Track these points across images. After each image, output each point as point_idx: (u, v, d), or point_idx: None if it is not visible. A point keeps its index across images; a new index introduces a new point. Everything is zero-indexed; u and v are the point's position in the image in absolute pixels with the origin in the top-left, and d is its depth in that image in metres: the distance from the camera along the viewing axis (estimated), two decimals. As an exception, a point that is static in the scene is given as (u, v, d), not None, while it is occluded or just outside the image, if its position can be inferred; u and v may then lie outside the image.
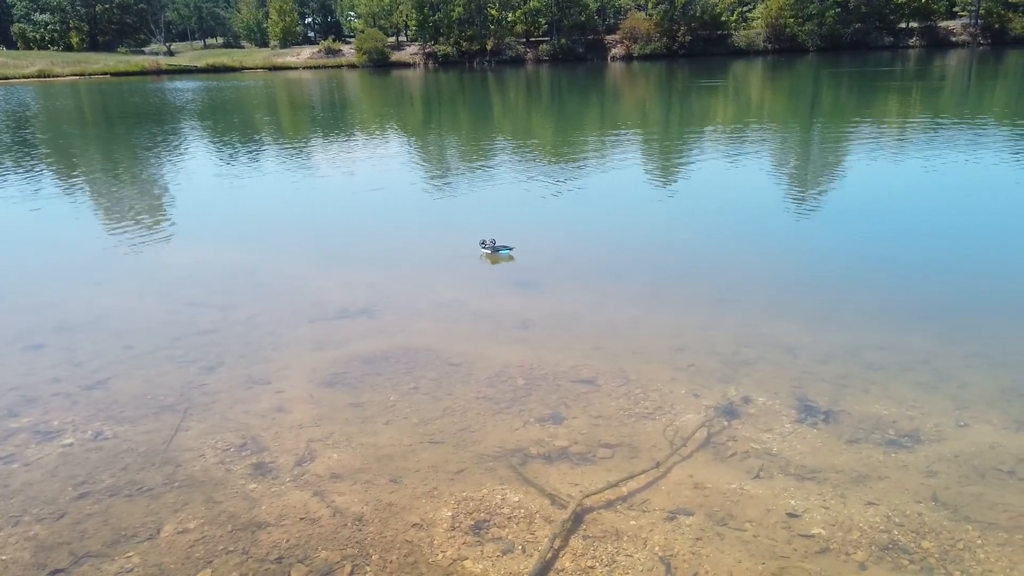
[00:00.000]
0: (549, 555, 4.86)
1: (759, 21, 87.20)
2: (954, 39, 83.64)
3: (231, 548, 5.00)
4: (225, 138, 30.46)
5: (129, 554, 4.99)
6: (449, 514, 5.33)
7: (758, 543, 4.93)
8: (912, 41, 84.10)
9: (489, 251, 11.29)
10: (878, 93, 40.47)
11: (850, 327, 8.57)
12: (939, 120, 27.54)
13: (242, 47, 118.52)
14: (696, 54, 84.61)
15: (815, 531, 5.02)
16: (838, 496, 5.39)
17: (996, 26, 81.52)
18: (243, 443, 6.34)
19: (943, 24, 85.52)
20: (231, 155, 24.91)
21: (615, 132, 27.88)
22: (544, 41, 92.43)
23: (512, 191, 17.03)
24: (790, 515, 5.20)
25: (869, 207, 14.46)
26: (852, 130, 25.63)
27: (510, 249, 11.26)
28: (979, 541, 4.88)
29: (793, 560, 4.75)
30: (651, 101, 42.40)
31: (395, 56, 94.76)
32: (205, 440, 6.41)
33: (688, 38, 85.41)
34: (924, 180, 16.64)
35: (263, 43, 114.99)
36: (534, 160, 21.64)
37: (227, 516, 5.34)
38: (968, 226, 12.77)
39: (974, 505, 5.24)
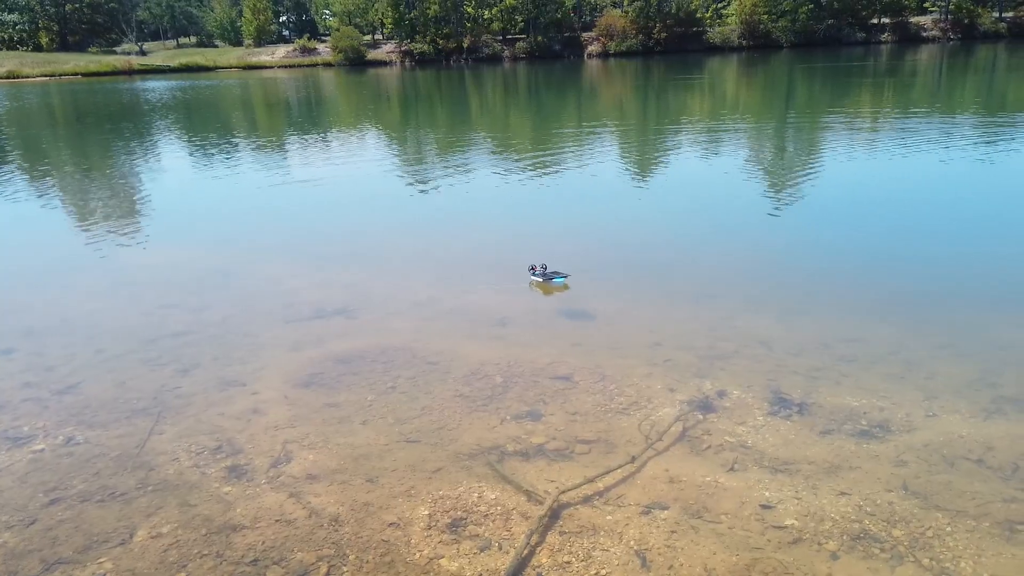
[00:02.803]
0: (526, 551, 4.88)
1: (734, 18, 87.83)
2: (925, 34, 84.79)
3: (205, 552, 4.96)
4: (199, 138, 30.14)
5: (101, 560, 4.93)
6: (426, 513, 5.32)
7: (732, 535, 4.98)
8: (884, 37, 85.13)
9: (540, 279, 9.89)
10: (851, 88, 40.96)
11: (823, 320, 8.68)
12: (911, 114, 27.92)
13: (216, 46, 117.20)
14: (672, 51, 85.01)
15: (788, 522, 5.08)
16: (810, 487, 5.45)
17: (965, 21, 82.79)
18: (218, 446, 6.29)
19: (914, 20, 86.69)
20: (205, 155, 24.65)
21: (592, 129, 27.95)
22: (521, 39, 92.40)
23: (489, 189, 17.03)
24: (764, 507, 5.26)
25: (842, 201, 14.62)
26: (826, 125, 25.91)
27: (564, 277, 9.80)
28: (948, 529, 4.97)
29: (767, 551, 4.81)
30: (628, 98, 42.55)
31: (371, 54, 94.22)
32: (179, 443, 6.34)
33: (664, 35, 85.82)
34: (896, 174, 16.86)
35: (237, 42, 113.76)
36: (511, 158, 21.65)
37: (201, 519, 5.30)
38: (939, 219, 12.97)
39: (943, 493, 5.33)
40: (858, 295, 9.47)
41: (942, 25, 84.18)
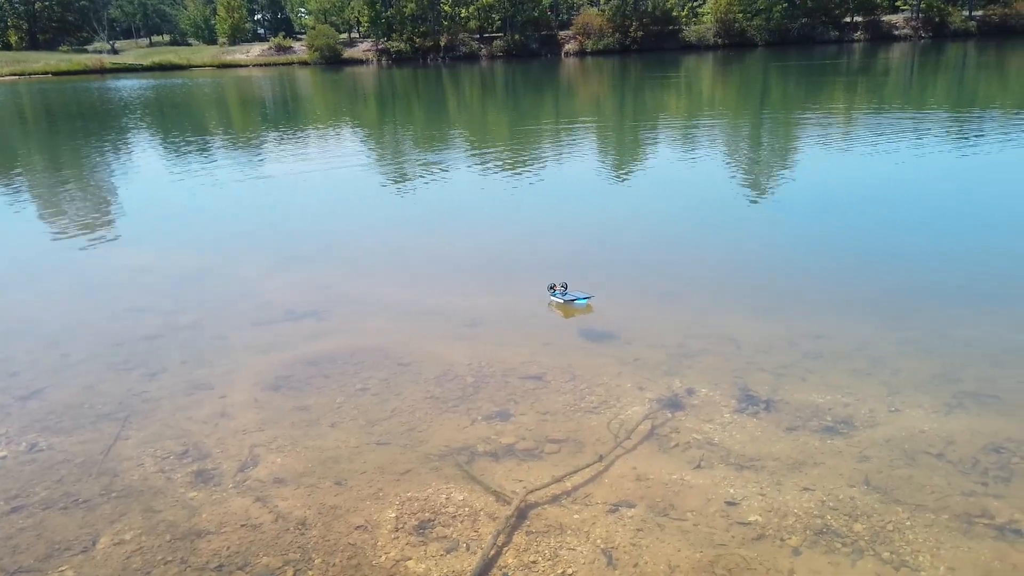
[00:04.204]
0: (492, 552, 4.89)
1: (709, 16, 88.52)
2: (897, 33, 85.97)
3: (169, 558, 4.92)
4: (172, 138, 29.80)
5: (63, 568, 4.88)
6: (393, 515, 5.32)
7: (697, 532, 5.03)
8: (857, 35, 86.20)
9: (561, 300, 9.25)
10: (825, 86, 41.42)
11: (792, 317, 8.78)
12: (883, 112, 28.29)
13: (189, 45, 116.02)
14: (648, 49, 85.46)
15: (752, 518, 5.14)
16: (775, 483, 5.52)
17: (936, 20, 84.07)
18: (184, 450, 6.24)
19: (886, 18, 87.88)
20: (178, 155, 24.39)
21: (570, 127, 28.01)
22: (498, 37, 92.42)
23: (465, 189, 17.03)
24: (728, 503, 5.31)
25: (814, 199, 14.79)
26: (800, 122, 26.18)
27: (588, 298, 9.17)
28: (908, 522, 5.05)
29: (730, 547, 4.86)
30: (606, 96, 42.70)
31: (347, 53, 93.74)
32: (145, 449, 6.28)
33: (640, 33, 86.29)
34: (867, 171, 17.08)
35: (211, 40, 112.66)
36: (488, 157, 21.65)
37: (166, 525, 5.25)
38: (908, 216, 13.15)
39: (904, 488, 5.42)
40: (826, 292, 9.60)
41: (913, 24, 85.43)
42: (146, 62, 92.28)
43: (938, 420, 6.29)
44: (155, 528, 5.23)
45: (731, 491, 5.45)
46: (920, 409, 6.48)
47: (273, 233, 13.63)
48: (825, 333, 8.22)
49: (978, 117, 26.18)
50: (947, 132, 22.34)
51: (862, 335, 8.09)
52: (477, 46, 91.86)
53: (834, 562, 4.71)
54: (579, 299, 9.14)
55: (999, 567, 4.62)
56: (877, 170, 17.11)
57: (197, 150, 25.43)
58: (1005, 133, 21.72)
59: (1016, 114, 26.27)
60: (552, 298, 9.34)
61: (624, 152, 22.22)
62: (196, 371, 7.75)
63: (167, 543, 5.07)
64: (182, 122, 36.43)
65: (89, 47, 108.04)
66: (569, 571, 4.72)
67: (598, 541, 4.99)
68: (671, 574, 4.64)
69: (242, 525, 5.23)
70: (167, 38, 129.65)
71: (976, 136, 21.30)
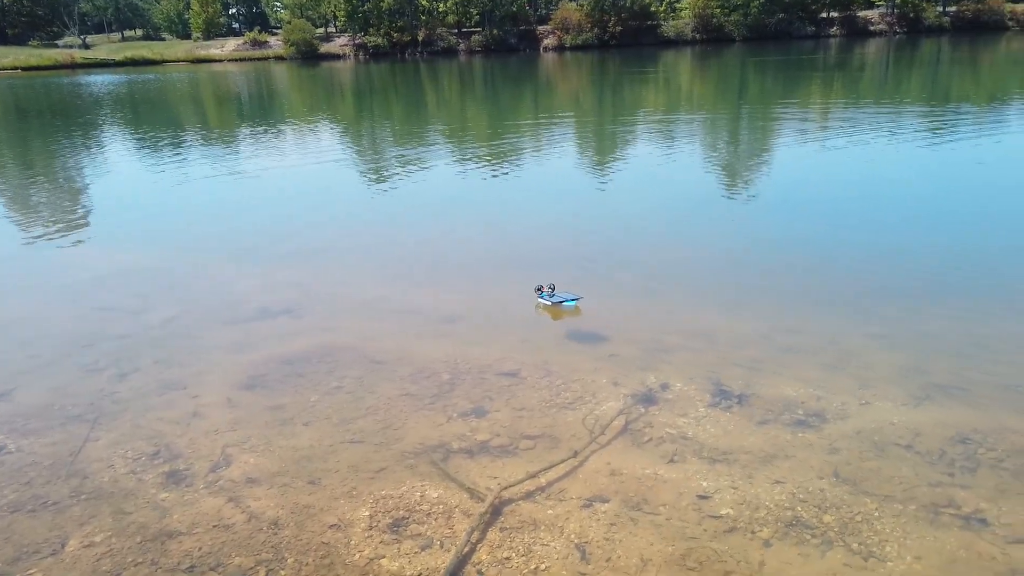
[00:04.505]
0: (466, 549, 4.89)
1: (687, 11, 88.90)
2: (872, 28, 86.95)
3: (140, 560, 4.87)
4: (145, 134, 29.43)
5: (31, 571, 4.81)
6: (367, 513, 5.30)
7: (670, 526, 5.07)
8: (833, 30, 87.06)
9: (549, 301, 9.05)
10: (802, 81, 41.77)
11: (765, 312, 8.85)
12: (859, 106, 28.59)
13: (163, 39, 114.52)
14: (627, 44, 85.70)
15: (724, 511, 5.19)
16: (746, 476, 5.57)
17: (911, 15, 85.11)
18: (155, 451, 6.17)
19: (862, 14, 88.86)
20: (151, 151, 24.09)
21: (549, 123, 28.02)
22: (476, 32, 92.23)
23: (443, 185, 16.98)
24: (701, 497, 5.36)
25: (790, 194, 14.93)
26: (777, 118, 26.39)
27: (576, 299, 8.99)
28: (876, 513, 5.12)
29: (702, 540, 4.90)
30: (585, 91, 42.75)
31: (324, 48, 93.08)
32: (115, 450, 6.21)
33: (618, 28, 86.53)
34: (841, 166, 17.26)
35: (185, 35, 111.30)
36: (467, 152, 21.60)
37: (136, 527, 5.20)
38: (881, 211, 13.31)
39: (872, 479, 5.49)
40: (800, 288, 9.69)
41: (888, 19, 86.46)
42: (118, 57, 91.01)
43: (907, 412, 6.39)
44: (125, 530, 5.17)
45: (703, 485, 5.50)
46: (890, 402, 6.57)
47: (247, 230, 13.51)
48: (798, 328, 8.31)
49: (951, 113, 26.55)
50: (921, 128, 22.62)
51: (834, 329, 8.18)
52: (455, 41, 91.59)
53: (804, 553, 4.77)
54: (567, 300, 8.97)
55: (964, 556, 4.70)
56: (851, 166, 17.30)
57: (170, 146, 25.13)
58: (977, 129, 22.04)
59: (988, 110, 26.68)
60: (540, 300, 9.13)
61: (602, 148, 22.27)
62: (168, 371, 7.67)
63: (137, 545, 5.02)
64: (155, 118, 35.97)
65: (60, 42, 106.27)
66: (542, 566, 4.74)
67: (572, 536, 5.01)
68: (643, 568, 4.67)
69: (214, 526, 5.19)
70: (139, 33, 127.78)
71: (949, 132, 21.59)
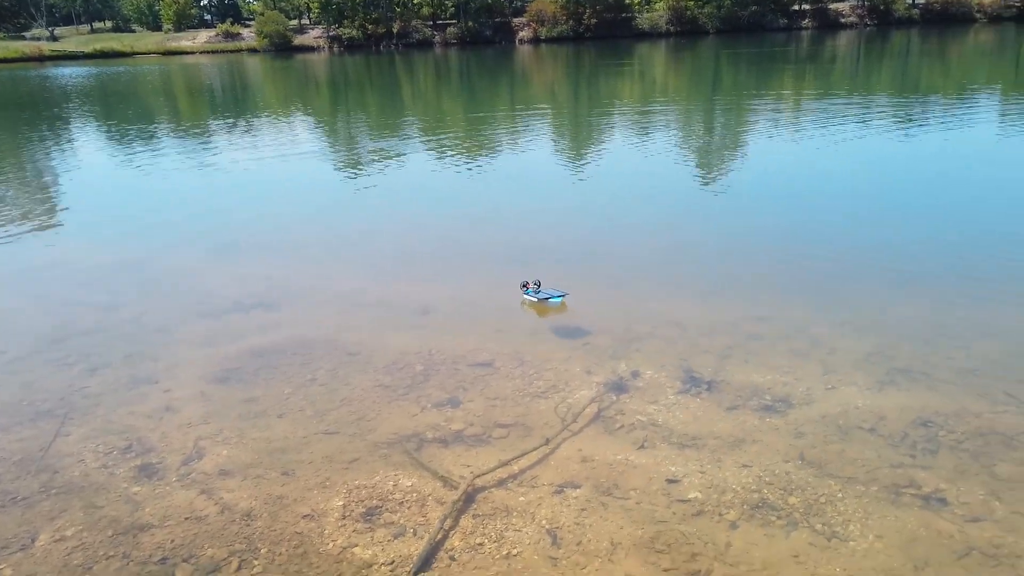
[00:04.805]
0: (439, 536, 4.95)
1: (662, 4, 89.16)
2: (843, 20, 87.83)
3: (111, 553, 4.87)
4: (115, 127, 29.00)
5: (0, 566, 4.79)
6: (341, 503, 5.34)
7: (639, 510, 5.16)
8: (805, 23, 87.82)
9: (535, 298, 8.89)
10: (775, 73, 42.14)
11: (735, 300, 8.98)
12: (830, 98, 28.92)
13: (133, 31, 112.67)
14: (602, 36, 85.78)
15: (692, 495, 5.29)
16: (715, 461, 5.68)
17: (881, 8, 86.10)
18: (127, 445, 6.15)
19: (833, 6, 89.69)
20: (122, 145, 23.76)
21: (525, 115, 28.03)
22: (451, 24, 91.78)
23: (418, 177, 16.96)
24: (670, 481, 5.46)
25: (760, 185, 15.10)
26: (749, 109, 26.63)
27: (562, 296, 8.83)
28: (839, 494, 5.25)
29: (671, 524, 5.00)
30: (560, 83, 42.79)
31: (298, 40, 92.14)
32: (86, 444, 6.18)
33: (594, 21, 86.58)
34: (812, 157, 17.49)
35: (155, 27, 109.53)
36: (441, 144, 21.57)
37: (108, 521, 5.19)
38: (851, 200, 13.52)
39: (836, 462, 5.63)
40: (770, 276, 9.83)
41: (859, 12, 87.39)
42: (87, 49, 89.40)
43: (871, 396, 6.54)
44: (96, 524, 5.16)
45: (673, 469, 5.60)
46: (854, 386, 6.72)
47: (221, 223, 13.41)
48: (767, 315, 8.44)
49: (921, 103, 26.97)
50: (890, 119, 22.96)
51: (802, 317, 8.33)
52: (430, 33, 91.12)
53: (769, 534, 4.88)
54: (553, 297, 8.83)
55: (924, 534, 4.84)
56: (821, 157, 17.53)
57: (140, 139, 24.79)
58: (946, 120, 22.42)
59: (956, 101, 27.13)
60: (525, 296, 8.99)
61: (578, 140, 22.34)
62: (139, 365, 7.62)
63: (109, 538, 5.01)
64: (125, 110, 35.45)
65: (27, 34, 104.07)
66: (515, 552, 4.80)
67: (543, 522, 5.09)
68: (613, 551, 4.75)
69: (186, 518, 5.20)
70: (109, 24, 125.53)
71: (918, 123, 21.95)
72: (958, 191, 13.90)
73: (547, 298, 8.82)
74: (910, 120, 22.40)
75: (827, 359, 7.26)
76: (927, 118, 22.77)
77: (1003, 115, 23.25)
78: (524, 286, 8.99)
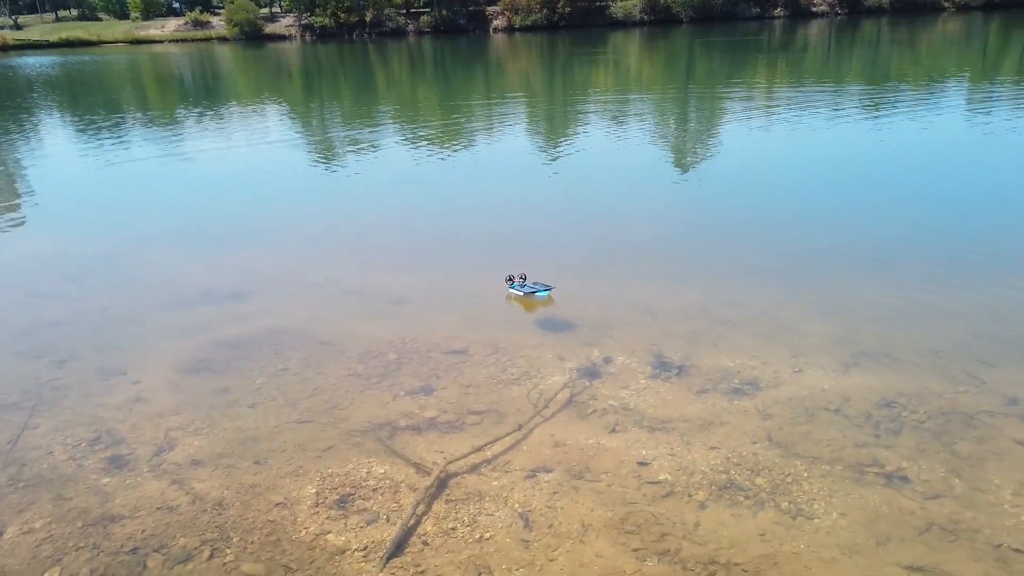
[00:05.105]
0: (412, 521, 4.98)
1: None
2: (815, 9, 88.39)
3: (81, 544, 4.84)
4: (82, 117, 28.47)
5: (-32, 560, 4.74)
6: (313, 491, 5.35)
7: (610, 492, 5.24)
8: (777, 12, 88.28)
9: (520, 292, 8.70)
10: (747, 62, 42.40)
11: (706, 286, 9.09)
12: (802, 87, 29.20)
13: (99, 19, 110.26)
14: (576, 25, 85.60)
15: (662, 477, 5.37)
16: (684, 443, 5.77)
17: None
18: (96, 437, 6.10)
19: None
20: (89, 135, 23.34)
21: (500, 104, 27.97)
22: (425, 12, 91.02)
23: (391, 166, 16.88)
24: (640, 464, 5.54)
25: (731, 172, 15.24)
26: (723, 98, 26.80)
27: (548, 289, 8.65)
28: (805, 474, 5.37)
29: (641, 505, 5.08)
30: (535, 72, 42.72)
31: (269, 28, 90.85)
32: (54, 437, 6.12)
33: (567, 9, 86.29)
34: (783, 145, 17.69)
35: (123, 15, 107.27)
36: (415, 133, 21.46)
37: (77, 512, 5.15)
38: (818, 187, 13.72)
39: (802, 442, 5.75)
40: (739, 262, 9.95)
41: (830, 1, 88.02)
42: (53, 38, 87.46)
43: (837, 379, 6.67)
44: (66, 515, 5.12)
45: (643, 452, 5.68)
46: (821, 369, 6.85)
47: (191, 214, 13.26)
48: (737, 301, 8.55)
49: (891, 92, 27.31)
50: (860, 107, 23.26)
51: (770, 302, 8.45)
52: (404, 21, 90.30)
53: (737, 514, 4.98)
54: (539, 291, 8.63)
55: (886, 511, 4.97)
56: (792, 145, 17.74)
57: (108, 129, 24.38)
58: (915, 108, 22.74)
59: (926, 89, 27.53)
60: (511, 290, 8.78)
61: (552, 129, 22.35)
62: (108, 357, 7.55)
63: (79, 529, 4.98)
64: (93, 100, 34.80)
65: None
66: (487, 535, 4.85)
67: (515, 505, 5.14)
68: (584, 532, 4.82)
69: (157, 508, 5.18)
70: (75, 13, 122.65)
71: (888, 111, 22.23)
72: (925, 178, 14.14)
73: (533, 292, 8.66)
74: (880, 109, 22.70)
75: (794, 342, 7.39)
76: (897, 107, 23.08)
77: (971, 103, 23.63)
78: (509, 280, 8.81)
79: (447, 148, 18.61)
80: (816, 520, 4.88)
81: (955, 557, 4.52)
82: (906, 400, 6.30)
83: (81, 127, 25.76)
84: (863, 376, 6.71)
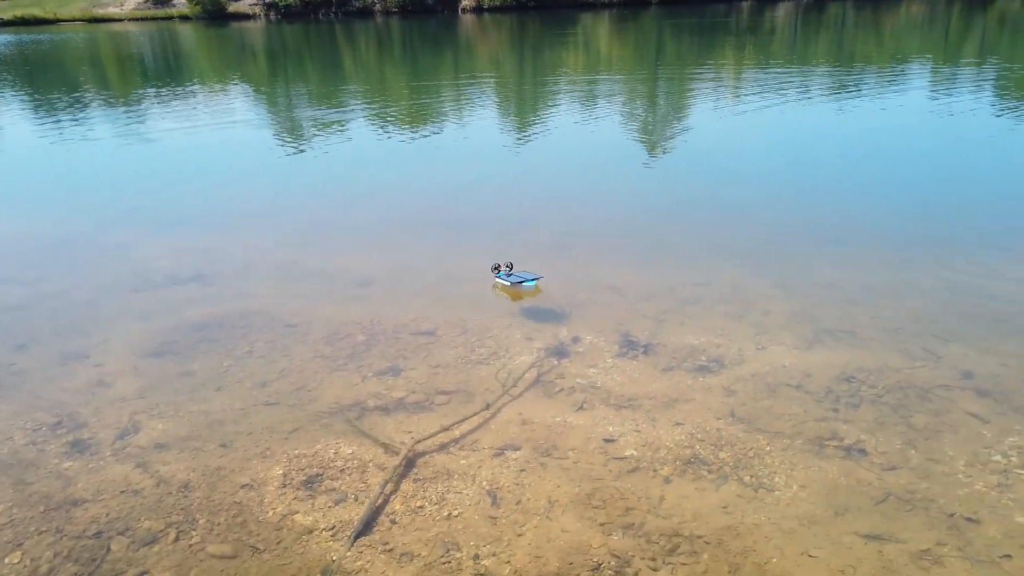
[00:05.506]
0: (380, 500, 5.00)
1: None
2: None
3: (44, 528, 4.78)
4: (38, 98, 27.69)
5: (-75, 548, 4.66)
6: (281, 472, 5.33)
7: (577, 468, 5.30)
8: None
9: (507, 282, 8.48)
10: (716, 44, 42.61)
11: (673, 266, 9.19)
12: (769, 69, 29.44)
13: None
14: (545, 6, 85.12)
15: (628, 453, 5.45)
16: (650, 420, 5.86)
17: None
18: (57, 421, 6.01)
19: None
20: (46, 116, 22.72)
21: (470, 85, 27.78)
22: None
23: (357, 147, 16.71)
24: (607, 440, 5.61)
25: (700, 153, 15.36)
26: (692, 79, 26.91)
27: (536, 279, 8.43)
28: (767, 448, 5.48)
29: (607, 481, 5.15)
30: (504, 53, 42.47)
31: (232, 7, 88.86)
32: (14, 422, 6.01)
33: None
34: (751, 125, 17.83)
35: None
36: (383, 114, 21.26)
37: (39, 497, 5.08)
38: (784, 168, 13.88)
39: (765, 417, 5.86)
40: (706, 242, 10.05)
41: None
42: (6, 16, 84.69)
43: (799, 355, 6.80)
44: (27, 500, 5.05)
45: (609, 429, 5.75)
46: (783, 346, 6.98)
47: (153, 196, 13.01)
48: (703, 281, 8.65)
49: (856, 74, 27.66)
50: (826, 89, 23.53)
51: (736, 281, 8.57)
52: (371, 1, 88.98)
53: (701, 488, 5.07)
54: (527, 280, 8.40)
55: (845, 483, 5.10)
56: (759, 126, 17.90)
57: (66, 109, 23.76)
58: (879, 90, 23.07)
59: (889, 71, 27.92)
60: (497, 280, 8.56)
61: (521, 110, 22.29)
62: (69, 341, 7.41)
63: (41, 514, 4.92)
64: (49, 80, 33.84)
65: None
66: (455, 513, 4.89)
67: (483, 483, 5.18)
68: (551, 508, 4.88)
69: (121, 492, 5.13)
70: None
71: (853, 93, 22.54)
72: (888, 159, 14.37)
73: (520, 281, 8.44)
74: (845, 91, 22.99)
75: (758, 320, 7.51)
76: (862, 89, 23.40)
77: (933, 85, 24.04)
78: (495, 269, 8.58)
79: (414, 129, 18.47)
80: (777, 492, 5.00)
81: (910, 526, 4.66)
82: (865, 375, 6.45)
83: (37, 107, 25.07)
84: (824, 353, 6.85)
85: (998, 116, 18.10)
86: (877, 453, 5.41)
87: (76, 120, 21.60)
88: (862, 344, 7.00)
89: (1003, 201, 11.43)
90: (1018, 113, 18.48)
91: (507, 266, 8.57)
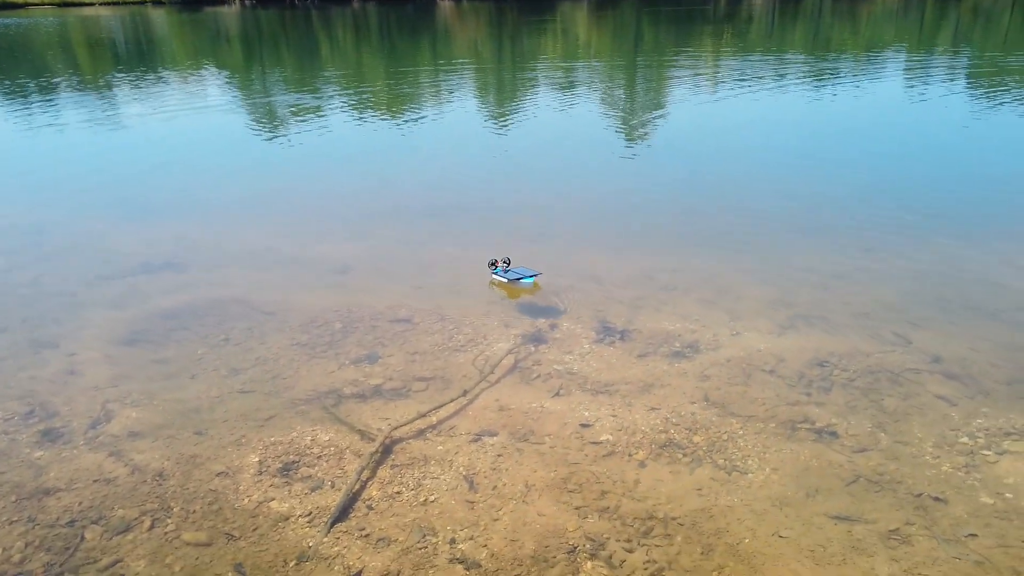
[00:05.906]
0: (357, 487, 5.00)
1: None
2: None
3: (15, 518, 4.73)
4: (7, 83, 27.11)
5: None
6: (256, 460, 5.31)
7: (553, 453, 5.34)
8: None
9: (504, 278, 8.21)
10: (693, 32, 42.72)
11: (650, 253, 9.24)
12: (747, 56, 29.58)
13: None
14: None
15: (604, 437, 5.50)
16: (626, 405, 5.91)
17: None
18: (29, 410, 5.93)
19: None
20: (14, 101, 22.27)
21: (448, 72, 27.62)
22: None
23: (334, 133, 16.58)
24: (583, 426, 5.65)
25: (677, 139, 15.43)
26: (670, 66, 26.97)
27: (535, 275, 8.16)
28: (740, 432, 5.55)
29: (583, 465, 5.19)
30: (483, 40, 42.25)
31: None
32: (-16, 412, 5.93)
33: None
34: (728, 112, 17.94)
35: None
36: (360, 101, 21.09)
37: (11, 487, 5.02)
38: (759, 154, 13.98)
39: (739, 402, 5.94)
40: (683, 229, 10.14)
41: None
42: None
43: (772, 340, 6.89)
44: (-2, 490, 4.99)
45: (586, 414, 5.79)
46: (757, 331, 7.06)
47: (126, 182, 12.84)
48: (680, 267, 8.72)
49: (832, 62, 27.88)
50: (802, 75, 23.69)
51: (711, 267, 8.65)
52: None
53: (675, 471, 5.13)
54: (525, 277, 8.13)
55: (816, 464, 5.18)
56: (736, 113, 18.01)
57: (36, 94, 23.30)
58: (855, 77, 23.28)
59: (864, 59, 28.17)
60: (494, 276, 8.30)
61: (500, 97, 22.22)
62: (40, 330, 7.31)
63: (12, 504, 4.86)
64: (17, 65, 33.15)
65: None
66: (432, 498, 4.91)
67: (460, 469, 5.20)
68: (527, 492, 4.91)
69: (95, 480, 5.08)
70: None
71: (829, 80, 22.73)
72: (862, 146, 14.54)
73: (519, 278, 8.14)
74: (821, 79, 23.18)
75: (733, 306, 7.59)
76: (837, 77, 23.59)
77: (908, 73, 24.30)
78: (492, 265, 8.31)
79: (392, 116, 18.36)
80: (750, 475, 5.07)
81: (879, 506, 4.75)
82: (837, 360, 6.54)
83: (5, 93, 24.56)
84: (797, 338, 6.94)
85: (970, 104, 18.36)
86: (848, 436, 5.50)
87: (46, 107, 21.20)
88: (834, 329, 7.10)
89: (974, 187, 11.63)
90: (990, 101, 18.75)
91: (504, 262, 8.31)
